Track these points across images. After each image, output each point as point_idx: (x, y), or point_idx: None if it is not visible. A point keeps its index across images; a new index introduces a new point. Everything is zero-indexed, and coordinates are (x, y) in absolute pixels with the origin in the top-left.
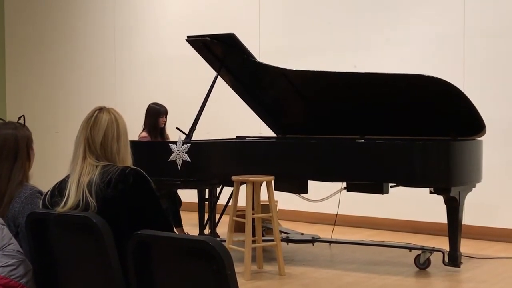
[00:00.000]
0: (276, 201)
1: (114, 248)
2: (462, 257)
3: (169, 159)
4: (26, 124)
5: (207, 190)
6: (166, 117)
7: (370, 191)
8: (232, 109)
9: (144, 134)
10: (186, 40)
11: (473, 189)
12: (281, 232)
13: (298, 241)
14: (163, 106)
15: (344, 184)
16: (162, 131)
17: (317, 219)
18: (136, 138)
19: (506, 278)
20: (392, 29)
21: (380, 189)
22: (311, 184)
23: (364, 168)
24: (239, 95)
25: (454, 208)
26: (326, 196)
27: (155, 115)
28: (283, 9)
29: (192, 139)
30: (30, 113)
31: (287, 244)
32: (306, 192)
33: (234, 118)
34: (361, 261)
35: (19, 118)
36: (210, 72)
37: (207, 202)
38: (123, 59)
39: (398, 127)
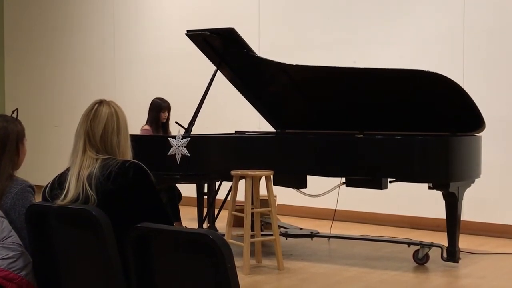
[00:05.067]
0: (275, 196)
1: (113, 241)
2: (461, 252)
3: (168, 153)
4: (23, 117)
5: (206, 185)
6: (169, 113)
7: (369, 186)
8: (231, 104)
9: (147, 127)
10: (186, 34)
11: (472, 185)
12: (280, 226)
13: (297, 236)
14: (166, 102)
15: (343, 179)
16: (165, 126)
17: (316, 214)
18: (135, 132)
19: (505, 274)
20: (392, 25)
21: (379, 185)
22: (310, 179)
23: (363, 164)
24: (238, 90)
25: (452, 204)
26: (325, 191)
27: (157, 109)
28: (283, 5)
29: (191, 133)
30: (29, 107)
31: (286, 239)
32: (305, 187)
33: (233, 113)
34: (360, 256)
35: (13, 112)
36: (210, 67)
37: (206, 197)
38: (122, 53)
39: (398, 122)
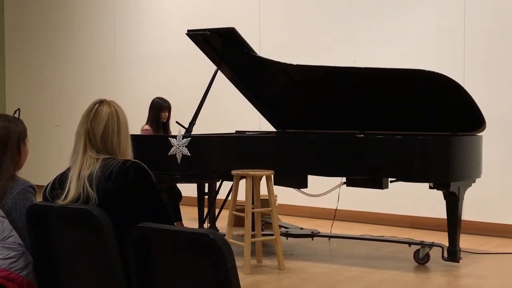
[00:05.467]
0: (276, 196)
1: (114, 241)
2: (461, 252)
3: (169, 153)
4: (23, 118)
5: (206, 184)
6: (169, 113)
7: (370, 186)
8: (232, 104)
9: (147, 127)
10: (186, 34)
11: (473, 184)
12: (280, 226)
13: (298, 236)
14: (167, 101)
15: (344, 179)
16: (165, 126)
17: (317, 214)
18: (136, 132)
19: (505, 274)
20: (392, 25)
21: (379, 184)
22: (311, 178)
23: (363, 163)
24: (239, 89)
25: (453, 203)
26: (325, 191)
27: (157, 109)
28: (283, 5)
29: (192, 133)
30: (29, 107)
31: (287, 239)
32: (306, 186)
33: (234, 113)
34: (360, 256)
35: (15, 112)
36: (210, 67)
37: (206, 197)
38: (122, 53)
39: (398, 122)
